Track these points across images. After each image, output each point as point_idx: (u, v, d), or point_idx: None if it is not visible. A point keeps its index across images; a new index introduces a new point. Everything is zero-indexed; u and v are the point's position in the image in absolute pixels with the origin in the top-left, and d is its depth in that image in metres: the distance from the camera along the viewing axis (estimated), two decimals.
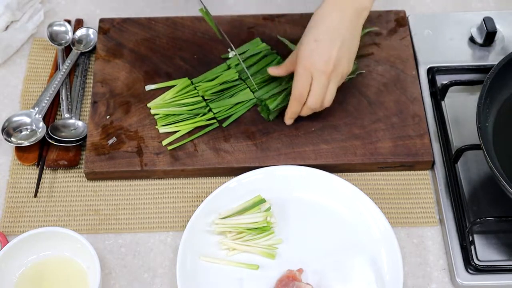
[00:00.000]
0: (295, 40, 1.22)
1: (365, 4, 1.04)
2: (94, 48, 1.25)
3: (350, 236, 1.05)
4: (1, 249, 1.02)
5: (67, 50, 1.25)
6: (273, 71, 1.12)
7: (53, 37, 1.25)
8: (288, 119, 1.12)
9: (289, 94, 1.11)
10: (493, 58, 1.22)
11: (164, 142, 1.13)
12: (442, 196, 1.09)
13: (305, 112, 1.10)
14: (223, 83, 1.18)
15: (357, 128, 1.14)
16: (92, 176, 1.11)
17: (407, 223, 1.09)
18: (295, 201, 1.08)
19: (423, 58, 1.22)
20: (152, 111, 1.15)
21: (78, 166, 1.13)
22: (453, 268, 1.02)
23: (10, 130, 1.14)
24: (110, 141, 1.13)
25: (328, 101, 1.07)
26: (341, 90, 1.17)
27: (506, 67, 1.07)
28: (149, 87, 1.18)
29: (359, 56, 1.22)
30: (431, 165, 1.13)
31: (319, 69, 1.03)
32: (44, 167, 1.12)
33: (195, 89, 1.17)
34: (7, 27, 1.27)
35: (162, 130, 1.14)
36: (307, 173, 1.08)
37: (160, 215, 1.09)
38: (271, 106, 1.13)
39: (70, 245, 1.00)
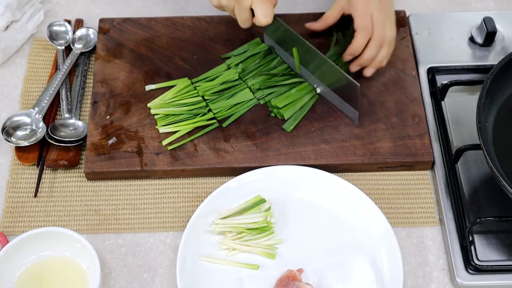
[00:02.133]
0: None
1: None
2: (94, 48, 1.25)
3: (350, 236, 1.05)
4: (1, 249, 1.02)
5: (67, 50, 1.25)
6: (313, 25, 1.19)
7: (53, 37, 1.25)
8: (348, 55, 1.15)
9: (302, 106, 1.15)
10: (493, 58, 1.22)
11: (164, 142, 1.13)
12: (442, 196, 1.09)
13: (355, 69, 1.15)
14: (223, 83, 1.18)
15: (357, 128, 1.14)
16: (92, 176, 1.11)
17: (407, 223, 1.09)
18: (295, 201, 1.08)
19: (423, 58, 1.22)
20: (152, 111, 1.15)
21: (78, 166, 1.13)
22: (453, 268, 1.02)
23: (10, 130, 1.14)
24: (110, 141, 1.13)
25: (379, 61, 1.14)
26: None
27: (506, 67, 1.07)
28: (149, 87, 1.18)
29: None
30: (431, 165, 1.13)
31: (375, 7, 1.11)
32: (44, 167, 1.12)
33: (195, 89, 1.17)
34: (7, 27, 1.27)
35: (162, 130, 1.14)
36: (307, 173, 1.08)
37: (160, 215, 1.09)
38: (286, 115, 1.14)
39: (70, 245, 1.00)
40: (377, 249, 1.03)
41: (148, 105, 1.16)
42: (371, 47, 1.13)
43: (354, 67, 1.16)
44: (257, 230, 1.04)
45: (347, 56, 1.15)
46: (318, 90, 1.16)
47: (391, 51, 1.15)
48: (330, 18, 1.18)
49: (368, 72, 1.16)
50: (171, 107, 1.15)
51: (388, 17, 1.13)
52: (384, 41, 1.13)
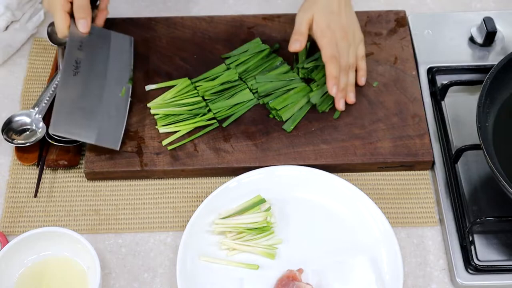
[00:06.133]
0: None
1: None
2: None
3: (350, 236, 1.05)
4: (1, 249, 1.02)
5: None
6: (294, 48, 1.14)
7: (53, 37, 1.25)
8: (333, 86, 1.12)
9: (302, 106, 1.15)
10: (493, 58, 1.22)
11: (164, 142, 1.13)
12: (442, 196, 1.09)
13: (342, 104, 1.14)
14: (223, 83, 1.17)
15: (357, 128, 1.14)
16: (92, 176, 1.11)
17: (407, 223, 1.09)
18: (295, 201, 1.08)
19: (423, 58, 1.22)
20: (152, 111, 1.15)
21: (78, 166, 1.13)
22: (453, 268, 1.02)
23: (10, 130, 1.14)
24: None
25: (352, 84, 1.16)
26: None
27: (506, 67, 1.07)
28: (149, 87, 1.18)
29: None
30: (431, 165, 1.13)
31: (339, 36, 1.12)
32: (44, 167, 1.12)
33: (195, 89, 1.17)
34: (7, 27, 1.26)
35: (162, 130, 1.14)
36: (307, 173, 1.08)
37: (160, 215, 1.09)
38: (284, 117, 1.14)
39: (70, 245, 1.00)
40: (377, 249, 1.03)
41: (148, 105, 1.16)
42: (341, 76, 1.13)
43: (339, 103, 1.14)
44: (257, 230, 1.04)
45: (332, 89, 1.11)
46: None
47: (364, 67, 1.17)
48: (303, 41, 1.14)
49: (351, 98, 1.15)
50: (171, 107, 1.15)
51: (352, 43, 1.14)
52: (350, 66, 1.14)
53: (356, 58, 1.16)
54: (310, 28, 1.13)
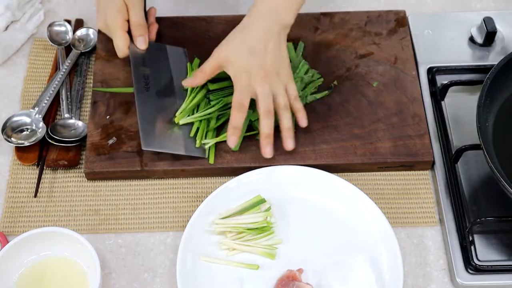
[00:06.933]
0: (292, 40, 1.23)
1: (289, 21, 1.08)
2: (94, 48, 1.25)
3: (350, 236, 1.05)
4: (1, 249, 1.02)
5: (67, 50, 1.25)
6: (190, 82, 1.11)
7: (53, 37, 1.25)
8: (231, 135, 1.06)
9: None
10: (493, 58, 1.22)
11: None
12: (442, 196, 1.09)
13: (268, 123, 1.05)
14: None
15: (357, 128, 1.14)
16: (92, 176, 1.11)
17: (407, 223, 1.09)
18: (295, 201, 1.08)
19: (423, 58, 1.22)
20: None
21: (78, 166, 1.13)
22: (453, 268, 1.02)
23: (10, 130, 1.14)
24: (110, 141, 1.13)
25: (288, 128, 1.07)
26: (341, 90, 1.18)
27: (506, 67, 1.07)
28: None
29: (360, 56, 1.22)
30: (431, 165, 1.13)
31: (258, 77, 1.05)
32: (44, 167, 1.12)
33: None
34: (7, 27, 1.27)
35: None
36: (307, 173, 1.08)
37: (160, 215, 1.09)
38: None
39: (70, 245, 1.00)
40: (377, 249, 1.03)
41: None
42: (262, 122, 1.06)
43: (265, 149, 1.07)
44: (257, 230, 1.04)
45: (231, 139, 1.06)
46: None
47: (300, 107, 1.09)
48: (203, 78, 1.10)
49: (289, 145, 1.08)
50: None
51: (275, 83, 1.06)
52: (279, 108, 1.06)
53: (287, 98, 1.07)
54: (226, 67, 1.07)
